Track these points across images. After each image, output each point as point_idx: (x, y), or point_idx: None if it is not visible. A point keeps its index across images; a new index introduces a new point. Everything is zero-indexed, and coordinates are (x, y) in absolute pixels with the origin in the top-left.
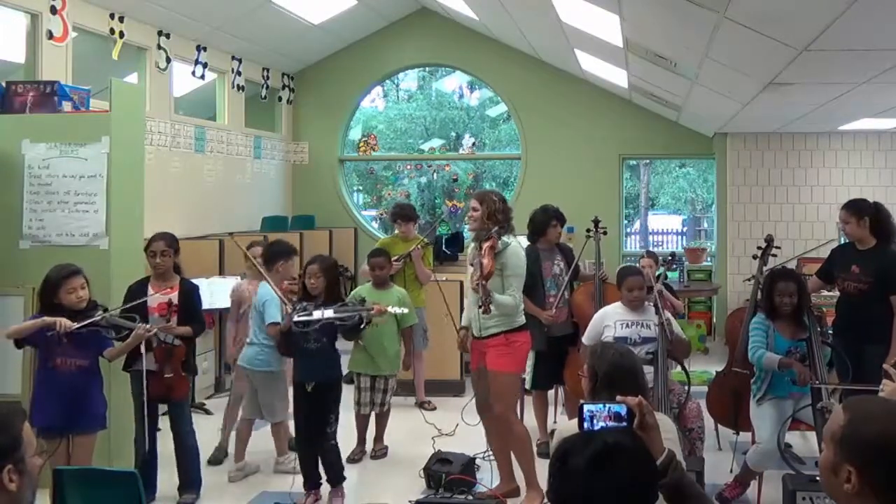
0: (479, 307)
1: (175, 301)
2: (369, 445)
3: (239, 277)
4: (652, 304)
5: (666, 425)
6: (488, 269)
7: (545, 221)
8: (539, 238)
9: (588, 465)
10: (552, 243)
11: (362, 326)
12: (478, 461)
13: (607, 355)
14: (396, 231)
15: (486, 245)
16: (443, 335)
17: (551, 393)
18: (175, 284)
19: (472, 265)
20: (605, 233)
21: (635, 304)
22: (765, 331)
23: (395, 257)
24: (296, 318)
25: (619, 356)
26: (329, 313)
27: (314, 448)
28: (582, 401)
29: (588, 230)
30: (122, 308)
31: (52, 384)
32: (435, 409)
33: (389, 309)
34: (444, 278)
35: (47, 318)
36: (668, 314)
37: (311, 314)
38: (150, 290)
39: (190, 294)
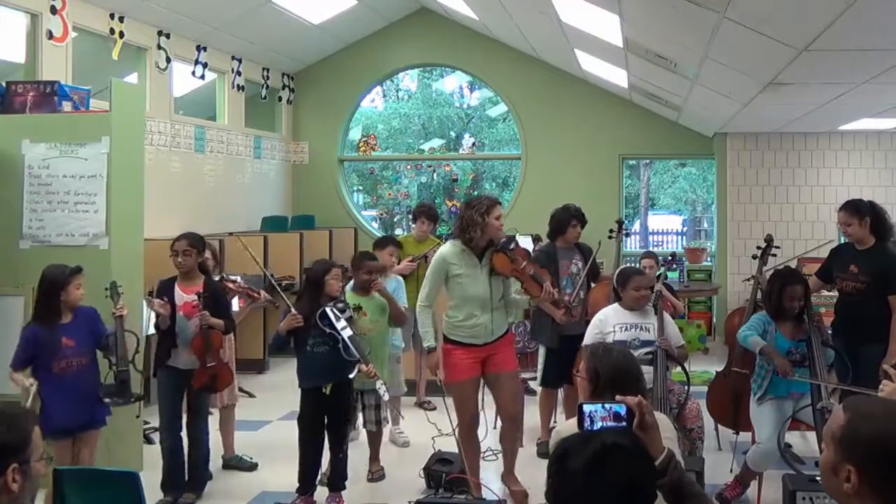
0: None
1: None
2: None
3: (240, 277)
4: (652, 304)
5: (665, 425)
6: (549, 276)
7: (565, 220)
8: (558, 236)
9: (587, 465)
10: (571, 243)
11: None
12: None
13: (611, 357)
14: (414, 230)
15: (522, 254)
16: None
17: None
18: (200, 284)
19: (512, 273)
20: (627, 234)
21: (642, 302)
22: (763, 324)
23: (411, 258)
24: (328, 311)
25: (623, 358)
26: (348, 332)
27: (333, 450)
28: (581, 401)
29: (611, 230)
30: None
31: (58, 388)
32: (435, 409)
33: (378, 384)
34: None
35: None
36: (667, 317)
37: (339, 320)
38: (178, 290)
39: (215, 292)
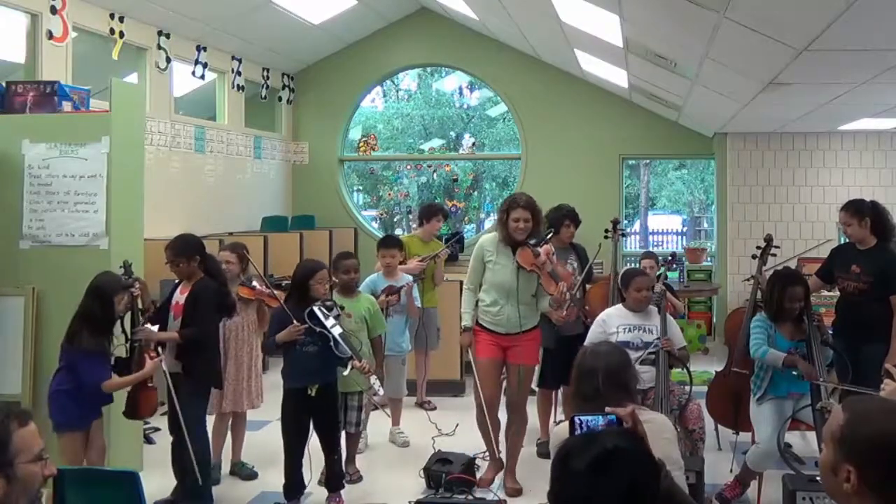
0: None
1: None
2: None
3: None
4: (655, 303)
5: (665, 426)
6: (570, 281)
7: (558, 220)
8: (552, 236)
9: (589, 467)
10: (565, 243)
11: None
12: (478, 461)
13: (582, 358)
14: (421, 230)
15: (547, 251)
16: (446, 335)
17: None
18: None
19: (531, 267)
20: (623, 234)
21: (643, 303)
22: (766, 329)
23: (421, 257)
24: (316, 310)
25: (593, 357)
26: (338, 330)
27: (327, 453)
28: (574, 413)
29: (606, 230)
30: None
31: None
32: (435, 408)
33: (372, 380)
34: (444, 278)
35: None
36: (670, 319)
37: (328, 318)
38: (178, 291)
39: (193, 296)
